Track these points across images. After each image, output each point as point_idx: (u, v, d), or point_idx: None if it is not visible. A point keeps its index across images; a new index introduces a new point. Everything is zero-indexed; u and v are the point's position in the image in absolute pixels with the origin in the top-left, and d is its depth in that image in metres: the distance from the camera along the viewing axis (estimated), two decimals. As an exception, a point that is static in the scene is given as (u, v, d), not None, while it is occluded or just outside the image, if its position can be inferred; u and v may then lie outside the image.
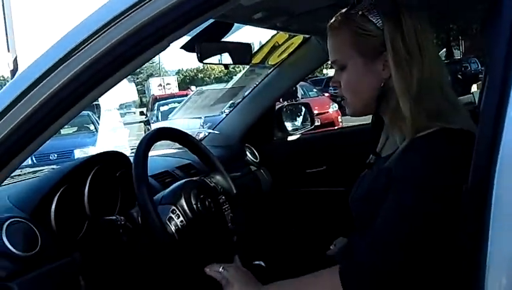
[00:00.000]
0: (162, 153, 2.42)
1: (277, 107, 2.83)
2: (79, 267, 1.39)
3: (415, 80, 1.15)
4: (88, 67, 1.05)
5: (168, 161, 2.23)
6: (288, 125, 2.83)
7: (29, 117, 1.07)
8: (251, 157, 2.56)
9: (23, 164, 1.16)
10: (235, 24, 1.88)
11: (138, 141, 1.55)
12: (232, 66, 2.05)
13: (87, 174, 1.57)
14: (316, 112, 10.59)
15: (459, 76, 15.71)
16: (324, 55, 2.43)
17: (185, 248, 1.45)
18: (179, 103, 15.28)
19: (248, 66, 2.72)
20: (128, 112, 30.47)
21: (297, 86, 9.74)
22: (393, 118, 1.23)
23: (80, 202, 1.53)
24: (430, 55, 1.20)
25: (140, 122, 19.51)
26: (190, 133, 1.84)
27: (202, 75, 66.46)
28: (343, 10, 1.27)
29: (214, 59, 1.91)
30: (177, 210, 1.47)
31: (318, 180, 2.60)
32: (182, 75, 68.02)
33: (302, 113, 2.96)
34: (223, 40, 1.90)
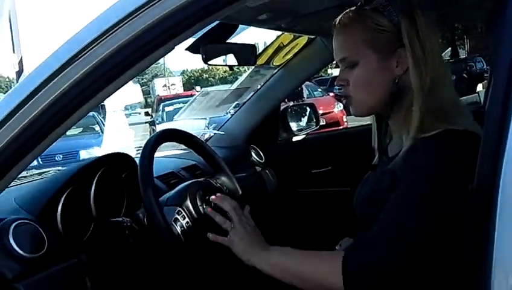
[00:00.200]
0: (168, 154, 2.42)
1: (282, 107, 2.83)
2: (85, 268, 1.39)
3: (429, 78, 1.15)
4: (94, 70, 1.05)
5: (174, 162, 2.23)
6: (293, 126, 2.83)
7: (37, 119, 1.07)
8: (256, 158, 2.56)
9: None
10: (240, 25, 1.88)
11: (143, 142, 1.55)
12: (236, 67, 2.05)
13: (93, 176, 1.57)
14: (321, 111, 10.64)
15: (464, 75, 15.67)
16: (329, 55, 2.43)
17: (191, 249, 1.45)
18: (184, 103, 15.29)
19: (253, 67, 2.72)
20: (134, 113, 30.54)
21: (303, 86, 9.74)
22: (402, 117, 1.21)
23: (86, 203, 1.53)
24: (439, 55, 1.20)
25: (146, 122, 19.52)
26: (195, 134, 1.84)
27: (207, 75, 66.53)
28: (354, 7, 1.25)
29: (219, 60, 1.91)
30: (182, 211, 1.47)
31: (323, 181, 2.60)
32: (187, 75, 68.12)
33: (307, 113, 2.96)
34: (227, 41, 1.90)
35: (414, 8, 1.18)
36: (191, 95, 18.35)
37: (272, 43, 2.57)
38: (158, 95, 25.60)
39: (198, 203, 1.51)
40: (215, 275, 1.65)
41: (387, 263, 1.11)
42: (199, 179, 1.71)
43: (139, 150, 1.92)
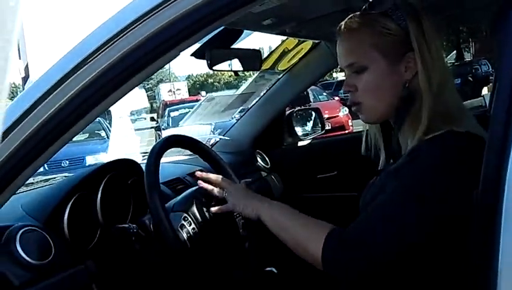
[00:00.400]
0: (173, 159, 2.43)
1: (287, 112, 2.83)
2: (92, 275, 1.39)
3: (436, 81, 1.15)
4: (99, 77, 1.05)
5: (180, 168, 2.24)
6: (299, 131, 2.83)
7: (44, 125, 1.08)
8: (262, 163, 2.56)
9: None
10: (245, 30, 1.89)
11: (149, 147, 1.55)
12: (242, 72, 2.06)
13: (100, 182, 1.58)
14: (326, 115, 10.63)
15: (470, 78, 15.64)
16: (334, 60, 2.43)
17: (197, 255, 1.45)
18: (189, 108, 15.33)
19: (258, 72, 2.73)
20: (139, 118, 30.56)
21: (308, 90, 9.73)
22: (410, 122, 1.19)
23: (93, 210, 1.53)
24: (443, 59, 1.20)
25: (151, 128, 19.55)
26: (201, 139, 1.85)
27: (212, 80, 66.64)
28: (359, 12, 1.24)
29: (224, 66, 1.91)
30: (189, 217, 1.48)
31: (329, 186, 2.60)
32: (192, 80, 68.26)
33: (312, 118, 2.96)
34: (232, 46, 1.91)
35: (421, 12, 1.18)
36: (197, 100, 18.40)
37: (277, 48, 2.58)
38: (163, 100, 25.63)
39: (205, 209, 1.51)
40: (221, 281, 1.65)
41: (374, 244, 1.10)
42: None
43: (145, 155, 1.92)
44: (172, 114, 16.69)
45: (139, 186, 1.62)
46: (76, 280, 1.35)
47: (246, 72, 2.52)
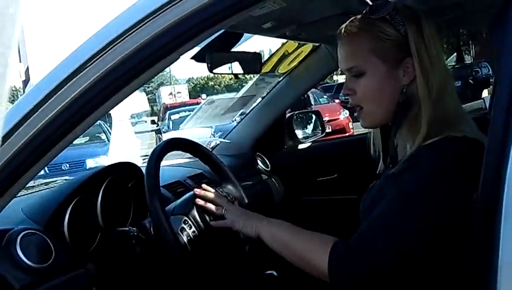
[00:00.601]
0: (174, 162, 2.43)
1: (287, 115, 2.83)
2: (92, 278, 1.39)
3: (436, 86, 1.15)
4: (99, 81, 1.06)
5: (180, 171, 2.24)
6: (299, 133, 2.83)
7: (44, 128, 1.08)
8: (262, 166, 2.56)
9: (35, 174, 1.17)
10: (245, 33, 1.89)
11: (150, 150, 1.55)
12: (242, 75, 2.06)
13: (100, 186, 1.58)
14: (326, 118, 10.65)
15: (470, 81, 15.63)
16: (334, 63, 2.44)
17: (198, 258, 1.45)
18: (190, 111, 15.31)
19: (258, 75, 2.73)
20: (140, 121, 30.57)
21: (309, 93, 9.72)
22: (408, 126, 1.20)
23: (93, 213, 1.53)
24: (443, 63, 1.20)
25: (152, 131, 19.56)
26: (201, 142, 1.85)
27: (213, 83, 66.66)
28: (360, 16, 1.25)
29: (224, 69, 1.91)
30: (189, 221, 1.48)
31: (330, 189, 2.60)
32: (193, 83, 68.29)
33: (313, 121, 2.96)
34: (233, 49, 1.91)
35: (421, 16, 1.18)
36: (197, 103, 18.40)
37: (277, 51, 2.58)
38: (164, 103, 25.66)
39: (205, 213, 1.51)
40: (221, 285, 1.65)
41: (375, 253, 1.11)
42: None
43: (145, 158, 1.92)
44: (173, 117, 16.70)
45: (139, 189, 1.62)
46: (77, 284, 1.35)
47: (246, 75, 2.52)
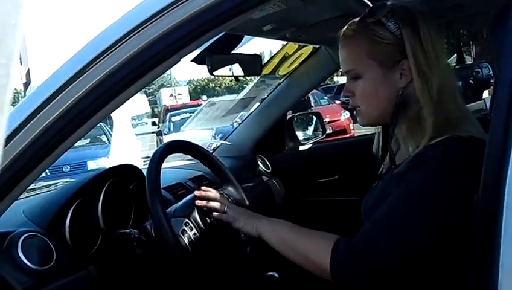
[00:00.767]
0: (175, 164, 2.43)
1: (288, 116, 2.84)
2: (94, 281, 1.39)
3: (436, 87, 1.15)
4: (100, 84, 1.06)
5: (181, 173, 2.24)
6: (300, 135, 2.83)
7: (45, 131, 1.08)
8: (263, 168, 2.56)
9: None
10: (245, 36, 1.89)
11: (150, 152, 1.56)
12: (242, 77, 2.06)
13: (101, 188, 1.58)
14: (327, 119, 10.64)
15: (471, 81, 15.60)
16: (334, 64, 2.44)
17: (199, 261, 1.45)
18: (190, 113, 15.31)
19: (259, 77, 2.73)
20: (140, 123, 30.56)
21: (310, 94, 9.73)
22: (410, 126, 1.21)
23: (94, 215, 1.54)
24: (444, 63, 1.20)
25: (153, 133, 19.55)
26: (202, 144, 1.85)
27: (213, 84, 66.66)
28: (357, 18, 1.25)
29: (225, 71, 1.92)
30: (190, 223, 1.48)
31: (330, 190, 2.60)
32: (193, 85, 68.29)
33: (313, 122, 2.96)
34: (233, 51, 1.91)
35: (418, 18, 1.18)
36: (198, 105, 18.40)
37: (277, 53, 2.58)
38: (165, 105, 25.62)
39: (206, 214, 1.51)
40: (222, 287, 1.65)
41: (378, 254, 1.12)
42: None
43: (146, 160, 1.92)
44: (174, 119, 16.68)
45: (140, 191, 1.62)
46: (78, 286, 1.35)
47: (246, 77, 2.53)
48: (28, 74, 12.45)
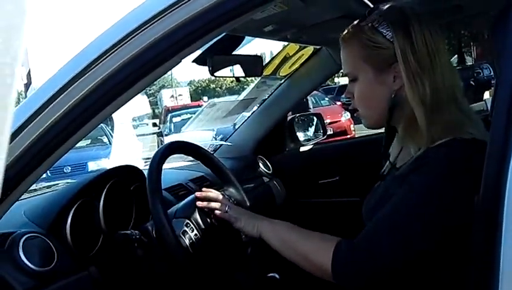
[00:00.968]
0: (176, 165, 2.43)
1: (289, 117, 2.84)
2: (95, 281, 1.39)
3: (429, 90, 1.15)
4: (101, 85, 1.06)
5: (182, 174, 2.24)
6: (301, 136, 2.83)
7: (46, 133, 1.08)
8: (264, 169, 2.56)
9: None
10: (246, 36, 1.89)
11: (151, 153, 1.56)
12: (243, 78, 2.06)
13: (102, 189, 1.58)
14: (328, 120, 10.63)
15: (472, 82, 15.58)
16: (335, 65, 2.45)
17: (200, 261, 1.45)
18: (191, 114, 15.30)
19: (259, 78, 2.73)
20: (141, 124, 30.56)
21: (309, 96, 9.71)
22: (407, 128, 1.22)
23: (95, 216, 1.54)
24: (442, 64, 1.19)
25: (153, 133, 19.53)
26: (203, 145, 1.85)
27: (214, 85, 66.60)
28: (354, 23, 1.27)
29: (226, 72, 1.92)
30: (191, 223, 1.48)
31: (331, 191, 2.60)
32: (194, 86, 68.21)
33: (314, 123, 2.96)
34: (234, 52, 1.91)
35: (411, 21, 1.18)
36: (199, 106, 18.39)
37: (278, 54, 2.58)
38: (165, 106, 25.60)
39: (207, 215, 1.51)
40: (223, 288, 1.65)
41: (381, 255, 1.12)
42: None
43: (147, 161, 1.92)
44: (175, 120, 16.69)
45: (141, 192, 1.62)
46: (79, 287, 1.36)
47: (247, 78, 2.52)
48: (29, 74, 12.47)
